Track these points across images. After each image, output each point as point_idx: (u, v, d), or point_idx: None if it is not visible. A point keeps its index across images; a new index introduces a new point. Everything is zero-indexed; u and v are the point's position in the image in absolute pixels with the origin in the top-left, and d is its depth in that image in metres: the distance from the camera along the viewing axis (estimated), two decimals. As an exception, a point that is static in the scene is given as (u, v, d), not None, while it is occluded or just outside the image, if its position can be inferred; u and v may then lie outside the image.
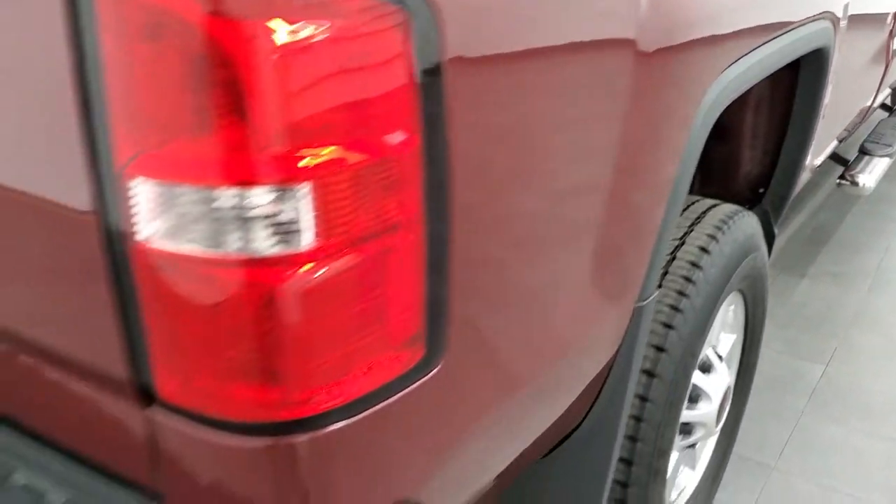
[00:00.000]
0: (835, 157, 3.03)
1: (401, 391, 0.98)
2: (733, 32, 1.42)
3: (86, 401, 1.02)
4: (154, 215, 0.82)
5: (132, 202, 0.82)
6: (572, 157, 1.13)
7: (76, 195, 0.85)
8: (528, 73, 1.01)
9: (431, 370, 1.00)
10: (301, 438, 0.92)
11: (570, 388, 1.34)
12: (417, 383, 0.99)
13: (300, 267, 0.83)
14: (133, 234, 0.84)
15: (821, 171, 2.89)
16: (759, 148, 2.18)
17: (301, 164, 0.79)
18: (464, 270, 0.99)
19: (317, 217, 0.82)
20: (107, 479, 1.09)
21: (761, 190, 2.26)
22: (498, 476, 1.26)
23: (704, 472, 2.18)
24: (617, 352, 1.42)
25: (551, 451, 1.54)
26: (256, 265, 0.83)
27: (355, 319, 0.89)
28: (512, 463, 1.31)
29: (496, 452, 1.24)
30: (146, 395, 0.95)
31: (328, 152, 0.81)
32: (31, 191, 0.91)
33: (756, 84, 1.61)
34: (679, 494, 2.11)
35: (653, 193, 1.34)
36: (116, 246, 0.86)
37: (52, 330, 0.99)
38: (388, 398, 0.97)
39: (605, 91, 1.14)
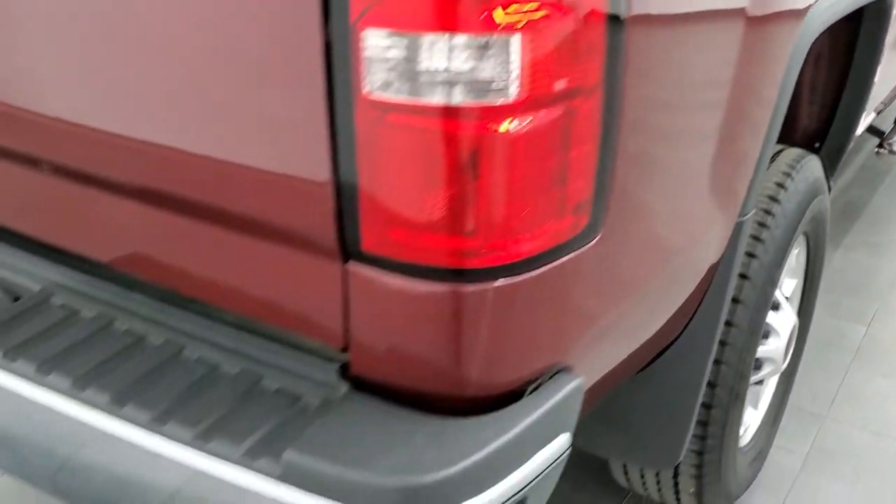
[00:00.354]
0: (870, 129, 3.14)
1: (567, 255, 1.07)
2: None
3: (280, 266, 1.11)
4: (378, 67, 0.91)
5: (360, 54, 0.91)
6: (701, 87, 1.26)
7: (307, 51, 0.94)
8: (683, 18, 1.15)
9: (593, 238, 1.09)
10: (484, 287, 1.01)
11: (688, 282, 1.44)
12: (582, 249, 1.08)
13: (502, 120, 0.93)
14: (357, 85, 0.93)
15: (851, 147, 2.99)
16: (817, 103, 2.28)
17: (511, 19, 0.89)
18: (625, 150, 1.09)
19: (522, 72, 0.91)
20: (280, 345, 1.18)
21: (816, 144, 2.36)
22: (596, 385, 1.35)
23: (766, 413, 2.27)
24: (719, 262, 1.51)
25: (646, 366, 1.63)
26: (463, 116, 0.92)
27: (542, 178, 0.99)
28: (620, 364, 1.40)
29: (631, 332, 1.33)
30: (345, 251, 1.03)
31: (536, 10, 0.90)
32: (263, 47, 1.00)
33: (817, 39, 1.72)
34: (744, 432, 2.20)
35: (755, 125, 1.46)
36: (340, 99, 0.95)
37: (257, 197, 1.07)
38: (555, 260, 1.06)
39: (726, 44, 1.29)
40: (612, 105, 1.03)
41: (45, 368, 1.21)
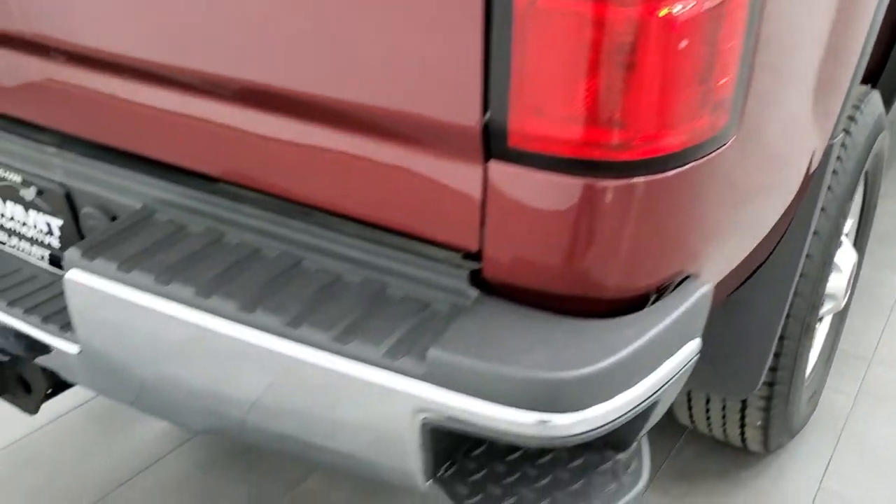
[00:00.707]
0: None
1: (707, 155, 1.06)
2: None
3: (416, 170, 1.09)
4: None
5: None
6: (811, 19, 1.26)
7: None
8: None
9: (729, 140, 1.09)
10: (630, 182, 1.00)
11: (787, 198, 1.43)
12: (719, 150, 1.08)
13: (661, 6, 0.92)
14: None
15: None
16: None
17: None
18: (761, 51, 1.08)
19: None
20: (404, 254, 1.17)
21: (869, 85, 2.36)
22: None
23: (821, 351, 2.29)
24: (808, 183, 1.51)
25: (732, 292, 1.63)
26: (622, 2, 0.91)
27: (692, 70, 0.98)
28: (726, 279, 1.39)
29: (739, 245, 1.32)
30: (488, 148, 1.03)
31: None
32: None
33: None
34: (802, 369, 2.21)
35: (852, 48, 1.47)
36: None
37: (399, 95, 1.05)
38: (697, 159, 1.05)
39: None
40: (757, 7, 1.02)
41: (163, 279, 1.19)
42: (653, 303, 1.13)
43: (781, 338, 1.80)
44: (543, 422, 1.00)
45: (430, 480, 1.16)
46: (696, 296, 1.13)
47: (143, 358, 1.26)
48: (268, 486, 2.14)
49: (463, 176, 1.06)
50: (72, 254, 1.25)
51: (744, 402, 1.97)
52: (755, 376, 1.73)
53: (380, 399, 1.08)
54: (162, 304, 1.18)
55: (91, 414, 2.37)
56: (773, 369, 1.85)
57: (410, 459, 1.13)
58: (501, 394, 1.00)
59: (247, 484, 2.16)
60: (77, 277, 1.25)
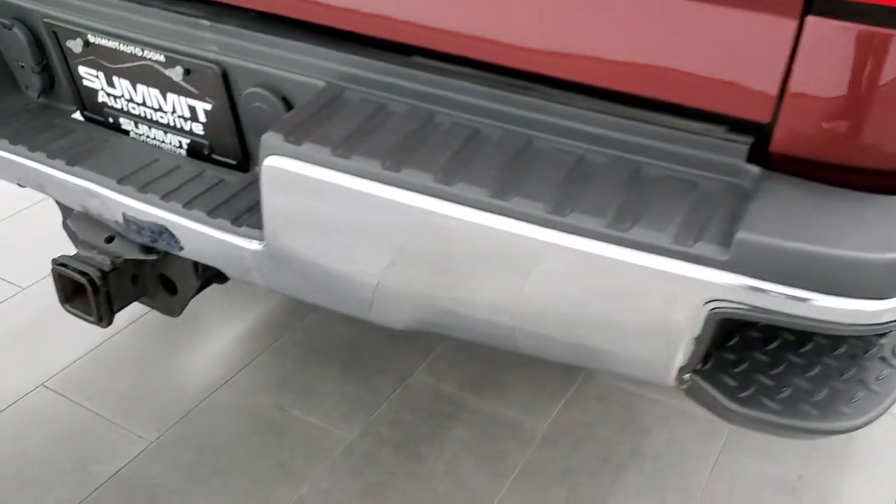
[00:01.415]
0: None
1: None
2: None
3: (712, 30, 0.96)
4: None
5: None
6: None
7: None
8: None
9: None
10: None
11: None
12: None
13: None
14: None
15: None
16: None
17: None
18: None
19: None
20: (656, 128, 1.05)
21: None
22: None
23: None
24: None
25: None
26: None
27: None
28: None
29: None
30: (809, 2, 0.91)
31: None
32: None
33: None
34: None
35: None
36: None
37: None
38: None
39: None
40: None
41: (391, 164, 1.06)
42: None
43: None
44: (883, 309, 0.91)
45: (689, 374, 1.08)
46: None
47: (359, 252, 1.13)
48: (373, 383, 2.06)
49: (771, 35, 0.94)
50: (271, 139, 1.11)
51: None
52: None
53: (662, 289, 0.98)
54: (394, 193, 1.06)
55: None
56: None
57: (678, 352, 1.04)
58: (828, 281, 0.91)
59: (350, 381, 2.07)
60: (279, 164, 1.11)
